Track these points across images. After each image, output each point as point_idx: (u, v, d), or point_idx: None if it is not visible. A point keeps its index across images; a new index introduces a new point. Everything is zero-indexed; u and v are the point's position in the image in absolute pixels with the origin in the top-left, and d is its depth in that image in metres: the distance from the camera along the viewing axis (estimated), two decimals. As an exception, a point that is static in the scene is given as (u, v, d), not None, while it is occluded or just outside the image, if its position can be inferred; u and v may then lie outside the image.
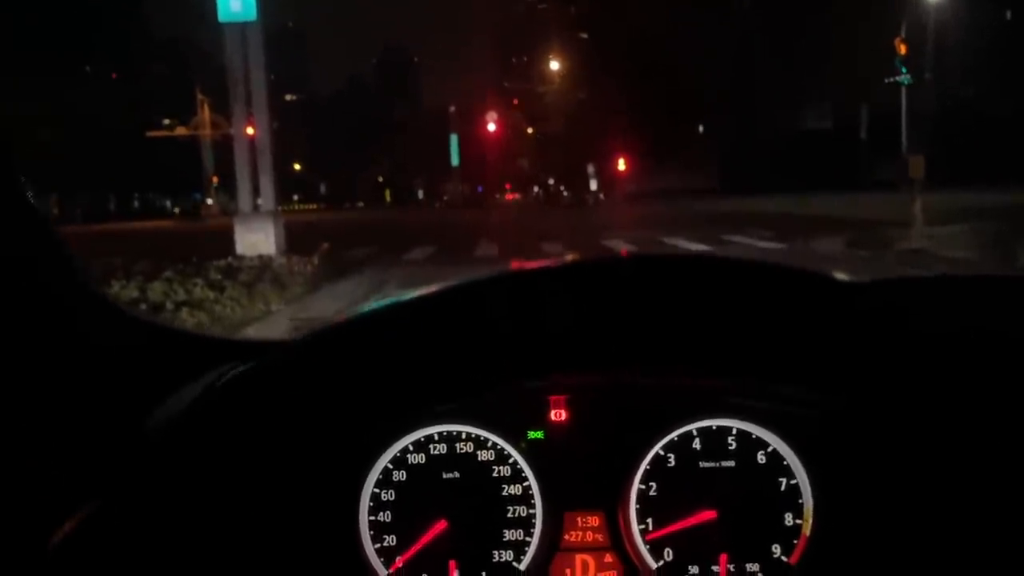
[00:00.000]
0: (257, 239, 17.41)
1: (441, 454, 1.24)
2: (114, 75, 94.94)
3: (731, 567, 1.22)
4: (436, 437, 1.24)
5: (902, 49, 31.60)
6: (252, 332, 8.78)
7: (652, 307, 0.76)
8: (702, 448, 1.23)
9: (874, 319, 0.78)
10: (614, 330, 0.77)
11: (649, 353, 0.78)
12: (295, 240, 18.42)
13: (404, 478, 1.24)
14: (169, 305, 9.81)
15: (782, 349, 0.78)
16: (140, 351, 1.21)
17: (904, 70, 31.93)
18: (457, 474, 1.24)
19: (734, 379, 1.19)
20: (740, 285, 0.76)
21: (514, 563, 1.23)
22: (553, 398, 1.26)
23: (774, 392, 1.21)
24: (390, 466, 1.23)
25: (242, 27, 18.83)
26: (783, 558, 1.22)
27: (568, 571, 1.24)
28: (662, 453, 1.23)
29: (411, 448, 1.24)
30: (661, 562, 1.23)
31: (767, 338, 0.77)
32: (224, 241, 17.44)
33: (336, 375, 0.84)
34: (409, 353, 0.81)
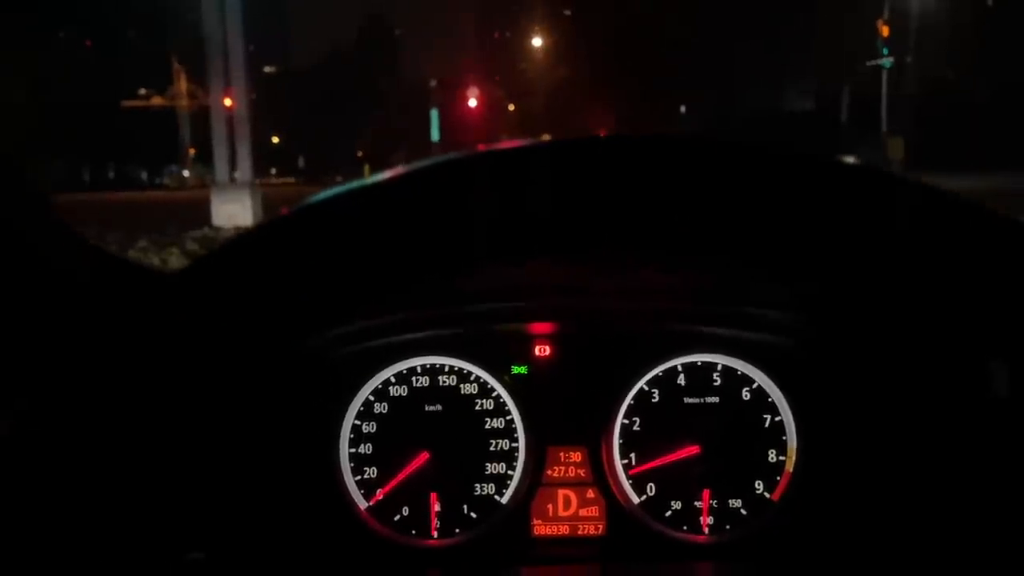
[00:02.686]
0: (234, 210, 17.27)
1: (424, 387, 1.23)
2: (88, 43, 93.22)
3: (713, 503, 1.21)
4: (419, 369, 1.23)
5: (884, 31, 31.68)
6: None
7: (634, 187, 0.73)
8: (687, 384, 1.23)
9: (880, 227, 0.74)
10: (592, 209, 0.74)
11: (627, 234, 0.75)
12: (273, 212, 18.24)
13: (386, 410, 1.22)
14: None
15: (771, 245, 0.74)
16: (96, 277, 1.18)
17: (885, 52, 32.02)
18: (440, 407, 1.22)
19: (715, 270, 1.17)
20: (728, 165, 0.73)
21: (496, 496, 1.22)
22: (537, 334, 1.24)
23: (754, 317, 1.20)
24: (371, 398, 1.22)
25: (220, -5, 18.55)
26: (766, 494, 1.22)
27: (550, 506, 1.24)
28: (646, 388, 1.22)
29: (393, 380, 1.22)
30: (644, 497, 1.22)
31: (754, 220, 0.73)
32: (198, 212, 17.26)
33: (295, 262, 0.81)
34: (376, 234, 0.78)
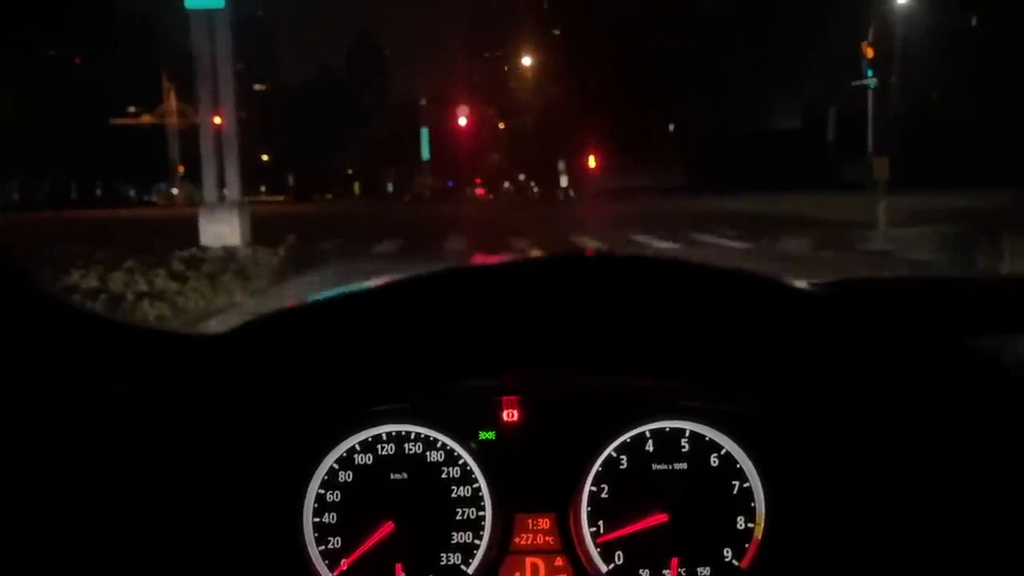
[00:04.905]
0: (222, 230, 17.21)
1: (389, 455, 1.21)
2: (78, 60, 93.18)
3: (682, 571, 1.20)
4: (384, 437, 1.21)
5: (869, 53, 32.00)
6: (215, 324, 8.68)
7: (610, 307, 0.77)
8: (655, 450, 1.22)
9: (829, 326, 0.80)
10: (568, 329, 0.78)
11: (602, 353, 0.79)
12: (261, 231, 18.22)
13: (350, 479, 1.20)
14: (130, 296, 9.66)
15: (735, 353, 0.79)
16: (81, 345, 1.17)
17: (871, 73, 32.35)
18: (405, 475, 1.21)
19: (685, 381, 1.18)
20: (698, 289, 0.78)
21: (462, 566, 1.20)
22: (505, 399, 1.23)
23: (727, 395, 1.20)
24: (336, 466, 1.20)
25: (209, 15, 18.59)
26: (734, 562, 1.21)
27: (517, 574, 1.22)
28: (614, 455, 1.21)
29: (358, 448, 1.21)
30: (612, 565, 1.21)
31: (720, 342, 0.79)
32: (186, 231, 17.23)
33: (276, 367, 0.83)
34: (356, 345, 0.80)
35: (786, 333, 0.77)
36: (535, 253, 0.83)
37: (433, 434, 1.22)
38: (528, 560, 1.22)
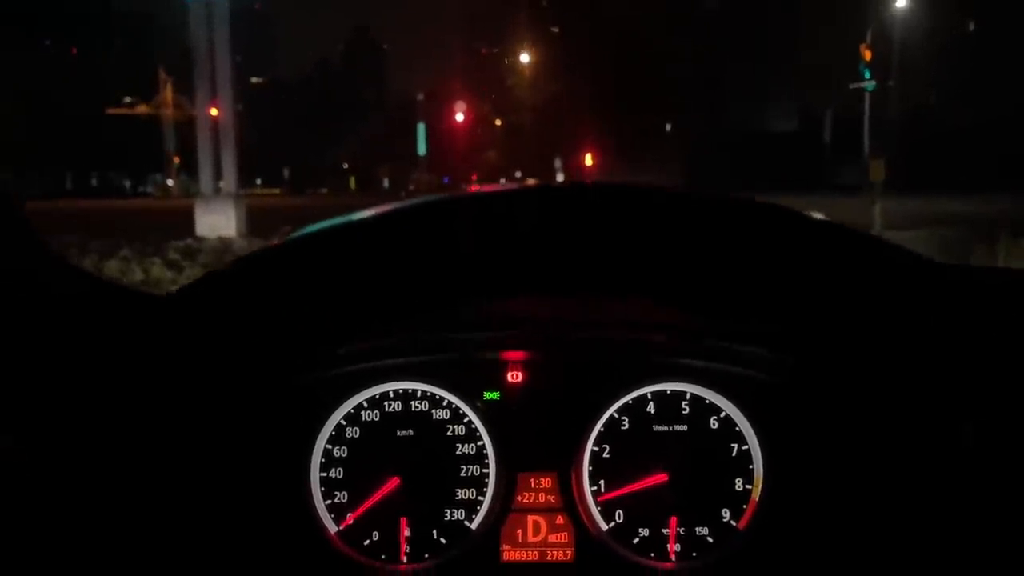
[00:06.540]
0: (217, 221, 17.22)
1: (396, 412, 1.24)
2: (74, 50, 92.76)
3: (681, 530, 1.23)
4: (391, 394, 1.24)
5: (867, 55, 32.01)
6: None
7: (612, 236, 0.74)
8: (656, 412, 1.24)
9: (846, 271, 0.77)
10: (567, 256, 0.76)
11: (603, 280, 0.77)
12: (257, 223, 18.19)
13: (357, 435, 1.23)
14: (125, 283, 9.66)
15: (744, 289, 0.76)
16: (83, 301, 1.19)
17: (868, 76, 32.36)
18: (411, 432, 1.23)
19: (685, 309, 1.20)
20: (705, 220, 0.75)
21: (465, 522, 1.23)
22: (510, 360, 1.26)
23: (727, 351, 1.22)
24: (343, 422, 1.22)
25: (208, 6, 18.58)
26: (732, 522, 1.23)
27: (519, 532, 1.25)
28: (616, 416, 1.24)
29: (365, 405, 1.23)
30: (612, 524, 1.23)
31: (729, 276, 0.76)
32: (181, 222, 17.20)
33: (273, 298, 0.81)
34: (352, 273, 0.79)
35: (805, 265, 0.76)
36: (530, 182, 0.85)
37: (439, 392, 1.24)
38: (530, 518, 1.25)
